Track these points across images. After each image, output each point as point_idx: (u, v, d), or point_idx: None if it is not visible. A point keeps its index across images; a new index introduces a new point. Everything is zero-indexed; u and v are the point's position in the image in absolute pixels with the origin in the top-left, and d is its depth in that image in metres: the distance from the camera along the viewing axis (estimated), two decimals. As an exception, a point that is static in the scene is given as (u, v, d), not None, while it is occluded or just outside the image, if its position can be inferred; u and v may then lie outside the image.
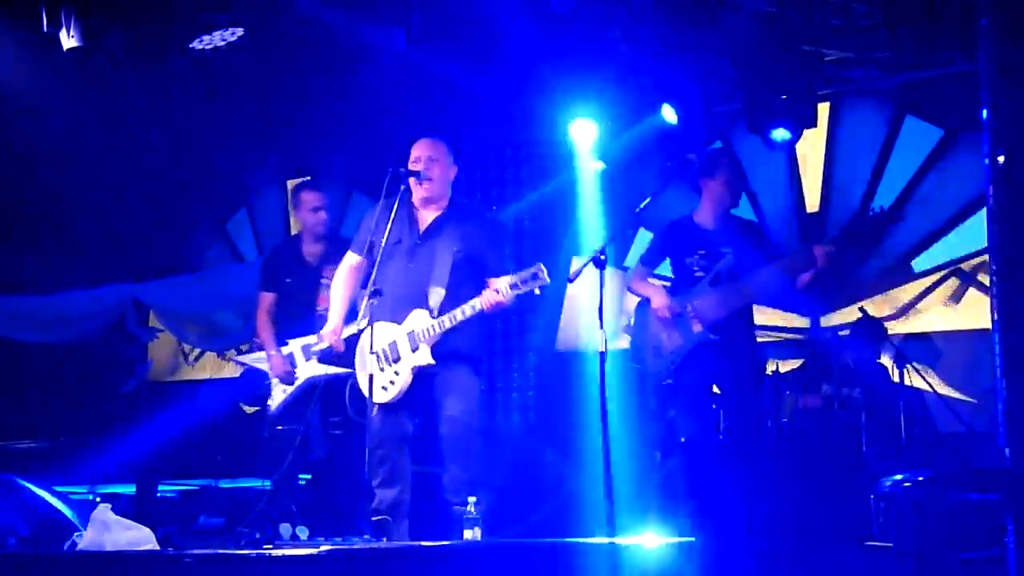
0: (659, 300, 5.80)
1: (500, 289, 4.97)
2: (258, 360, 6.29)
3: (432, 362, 5.07)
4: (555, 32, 6.99)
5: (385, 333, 5.12)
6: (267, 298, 6.32)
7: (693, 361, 5.79)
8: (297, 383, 6.07)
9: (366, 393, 5.01)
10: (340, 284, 5.41)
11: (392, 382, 5.12)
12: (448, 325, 5.06)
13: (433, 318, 5.08)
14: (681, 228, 5.96)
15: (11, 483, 5.05)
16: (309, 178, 6.41)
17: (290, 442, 5.88)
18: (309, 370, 6.04)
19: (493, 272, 5.18)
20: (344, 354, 5.54)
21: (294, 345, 6.14)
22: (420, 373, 5.14)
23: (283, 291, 6.27)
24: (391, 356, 5.13)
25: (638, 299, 6.13)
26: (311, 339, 5.96)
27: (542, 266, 4.91)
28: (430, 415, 5.26)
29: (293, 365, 6.11)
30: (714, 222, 5.92)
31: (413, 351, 5.11)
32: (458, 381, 5.15)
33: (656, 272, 6.27)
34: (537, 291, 4.92)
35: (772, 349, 7.44)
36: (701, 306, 5.67)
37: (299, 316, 6.16)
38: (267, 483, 6.14)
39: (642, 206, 5.48)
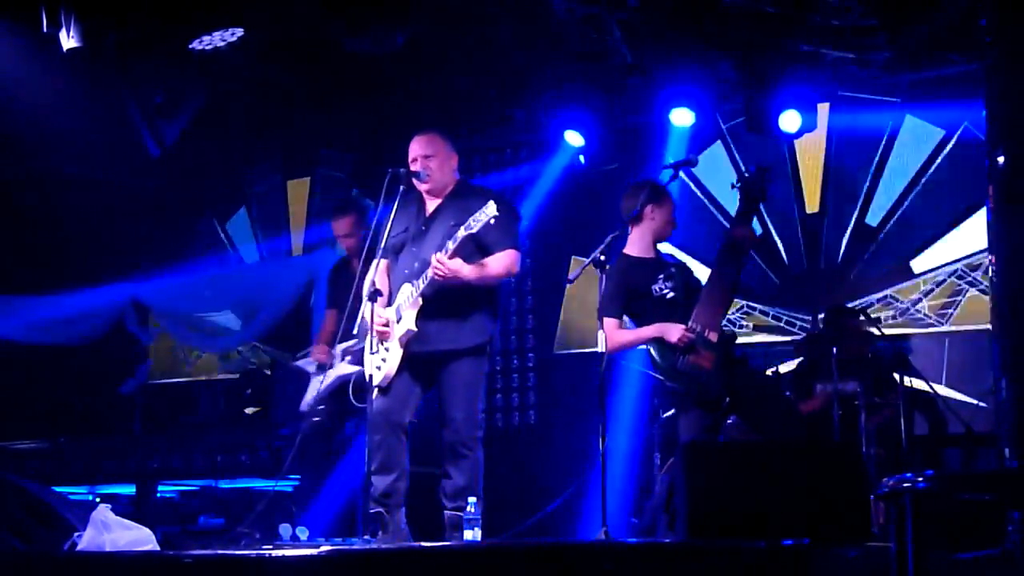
0: (674, 330, 5.26)
1: (455, 237, 4.94)
2: (308, 363, 6.49)
3: (415, 328, 5.04)
4: (556, 33, 6.99)
5: (382, 317, 5.14)
6: (331, 315, 6.53)
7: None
8: (327, 380, 6.20)
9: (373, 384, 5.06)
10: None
11: (384, 360, 5.12)
12: (423, 285, 5.05)
13: (412, 284, 5.11)
14: (630, 264, 5.47)
15: (11, 483, 5.04)
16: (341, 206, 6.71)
17: (322, 437, 6.16)
18: (341, 369, 6.17)
19: (492, 245, 5.11)
20: None
21: (337, 349, 6.31)
22: (419, 362, 5.13)
23: (342, 307, 6.36)
24: (383, 336, 5.15)
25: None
26: (351, 342, 6.08)
27: (491, 202, 4.86)
28: (432, 412, 5.25)
29: (332, 363, 6.30)
30: (653, 251, 5.53)
31: (398, 321, 5.13)
32: (461, 379, 5.13)
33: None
34: (492, 221, 4.83)
35: (772, 349, 7.44)
36: (701, 316, 5.38)
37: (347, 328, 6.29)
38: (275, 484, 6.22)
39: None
